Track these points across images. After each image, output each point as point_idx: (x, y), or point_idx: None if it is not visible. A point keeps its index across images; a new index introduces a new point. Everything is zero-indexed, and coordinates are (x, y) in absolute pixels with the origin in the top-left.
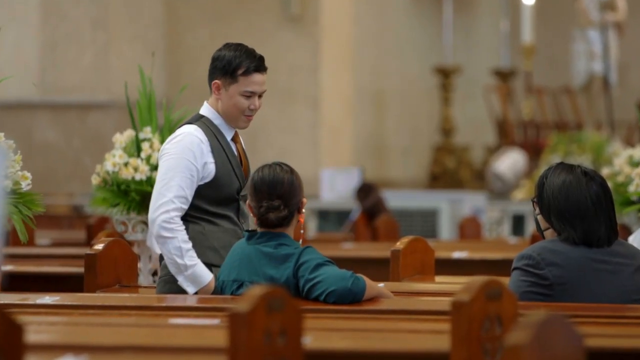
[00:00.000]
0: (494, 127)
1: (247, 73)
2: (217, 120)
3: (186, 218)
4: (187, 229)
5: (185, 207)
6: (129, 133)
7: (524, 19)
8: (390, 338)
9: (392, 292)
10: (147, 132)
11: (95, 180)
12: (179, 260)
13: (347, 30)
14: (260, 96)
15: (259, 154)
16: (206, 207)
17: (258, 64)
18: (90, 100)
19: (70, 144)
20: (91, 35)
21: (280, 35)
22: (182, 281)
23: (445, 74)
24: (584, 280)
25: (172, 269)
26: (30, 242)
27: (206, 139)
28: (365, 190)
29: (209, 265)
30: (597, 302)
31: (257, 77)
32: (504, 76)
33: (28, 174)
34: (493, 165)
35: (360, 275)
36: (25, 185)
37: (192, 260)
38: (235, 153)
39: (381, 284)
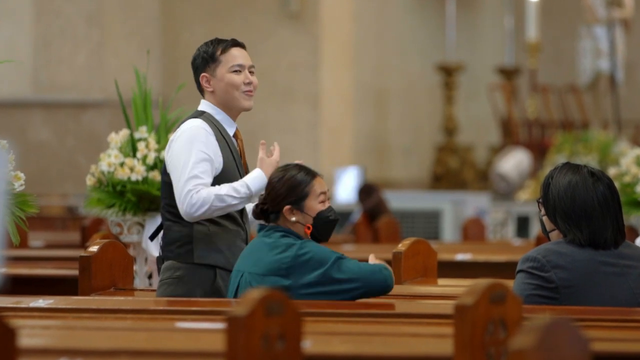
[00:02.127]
0: (498, 126)
1: (225, 50)
2: (219, 116)
3: None
4: (191, 228)
5: (206, 183)
6: (125, 132)
7: (528, 15)
8: (391, 342)
9: (394, 295)
10: (143, 132)
11: (90, 180)
12: (231, 201)
13: (347, 28)
14: (251, 72)
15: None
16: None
17: (233, 41)
18: (85, 99)
19: (65, 143)
20: (85, 32)
21: (279, 32)
22: (251, 198)
23: (448, 72)
24: (591, 283)
25: (237, 203)
26: (23, 244)
27: (212, 131)
28: (367, 191)
29: (214, 267)
30: (604, 306)
31: (236, 50)
32: (508, 74)
33: (21, 174)
34: (497, 166)
35: (383, 264)
36: (19, 186)
37: (233, 192)
38: (237, 149)
39: None
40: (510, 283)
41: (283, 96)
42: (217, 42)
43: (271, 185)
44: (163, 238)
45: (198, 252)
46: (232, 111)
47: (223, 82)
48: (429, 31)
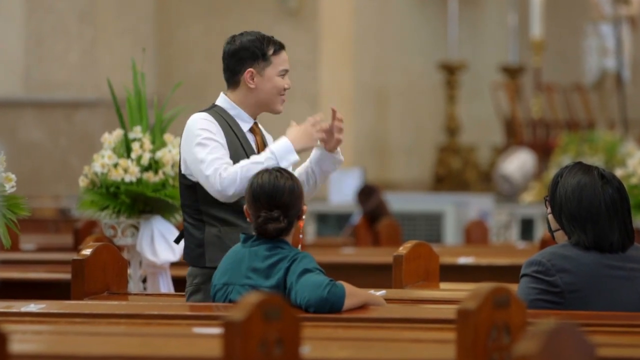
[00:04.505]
0: (501, 126)
1: (277, 52)
2: (234, 111)
3: (202, 219)
4: (203, 231)
5: (229, 162)
6: (119, 132)
7: (533, 12)
8: (392, 348)
9: (394, 299)
10: (137, 132)
11: (83, 182)
12: (257, 167)
13: (347, 25)
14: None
15: None
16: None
17: (280, 43)
18: (78, 98)
19: (57, 143)
20: (78, 30)
21: (277, 30)
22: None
23: (450, 71)
24: (597, 287)
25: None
26: (15, 248)
27: (216, 122)
28: (367, 193)
29: None
30: (611, 310)
31: (284, 54)
32: (512, 73)
33: (12, 176)
34: (500, 166)
35: (340, 282)
36: (10, 188)
37: (257, 158)
38: (253, 144)
39: (382, 291)
40: (514, 287)
41: None
42: (267, 40)
43: (286, 200)
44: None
45: (209, 255)
46: (259, 110)
47: (270, 84)
48: (431, 29)
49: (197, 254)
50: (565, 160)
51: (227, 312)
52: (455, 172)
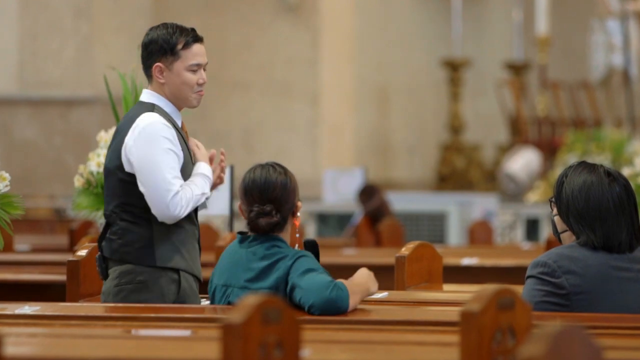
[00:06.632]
0: (506, 124)
1: (187, 46)
2: (168, 108)
3: (148, 217)
4: (151, 229)
5: (182, 183)
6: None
7: (538, 8)
8: (395, 350)
9: (397, 301)
10: None
11: (78, 181)
12: (203, 199)
13: (348, 20)
14: (204, 69)
15: (254, 153)
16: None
17: (195, 35)
18: (73, 96)
19: (52, 142)
20: (73, 26)
21: (276, 26)
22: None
23: (454, 68)
24: (604, 289)
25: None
26: (8, 248)
27: (170, 125)
28: (368, 192)
29: (177, 270)
30: (618, 312)
31: (197, 47)
32: (517, 70)
33: (6, 175)
34: (505, 165)
35: (340, 281)
36: (3, 187)
37: (204, 190)
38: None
39: (385, 293)
40: (519, 288)
41: (281, 93)
42: (179, 32)
43: (279, 194)
44: (114, 239)
45: (160, 254)
46: (177, 104)
47: (179, 79)
48: (434, 24)
49: (143, 253)
50: (572, 158)
51: (226, 314)
52: (459, 171)
